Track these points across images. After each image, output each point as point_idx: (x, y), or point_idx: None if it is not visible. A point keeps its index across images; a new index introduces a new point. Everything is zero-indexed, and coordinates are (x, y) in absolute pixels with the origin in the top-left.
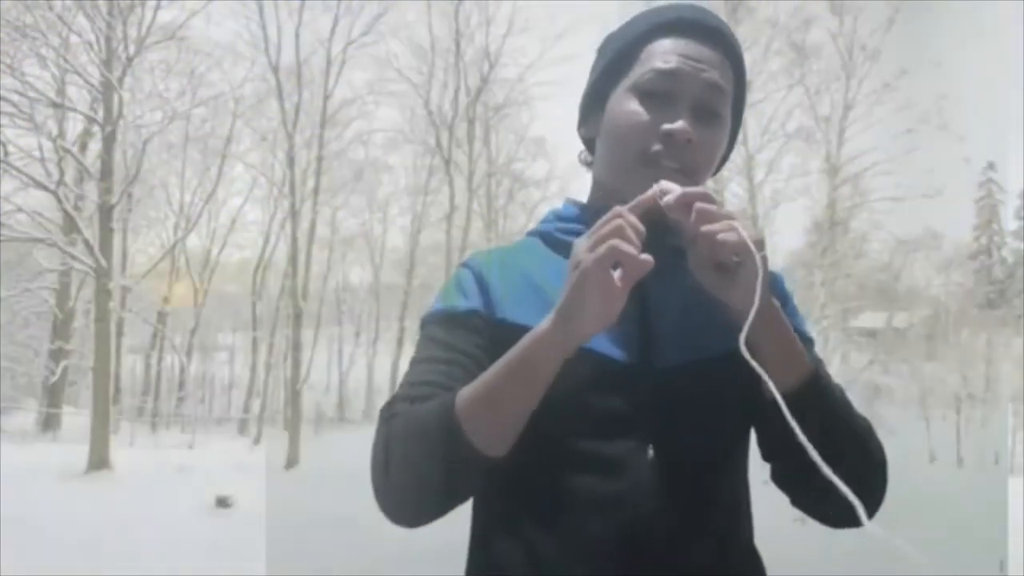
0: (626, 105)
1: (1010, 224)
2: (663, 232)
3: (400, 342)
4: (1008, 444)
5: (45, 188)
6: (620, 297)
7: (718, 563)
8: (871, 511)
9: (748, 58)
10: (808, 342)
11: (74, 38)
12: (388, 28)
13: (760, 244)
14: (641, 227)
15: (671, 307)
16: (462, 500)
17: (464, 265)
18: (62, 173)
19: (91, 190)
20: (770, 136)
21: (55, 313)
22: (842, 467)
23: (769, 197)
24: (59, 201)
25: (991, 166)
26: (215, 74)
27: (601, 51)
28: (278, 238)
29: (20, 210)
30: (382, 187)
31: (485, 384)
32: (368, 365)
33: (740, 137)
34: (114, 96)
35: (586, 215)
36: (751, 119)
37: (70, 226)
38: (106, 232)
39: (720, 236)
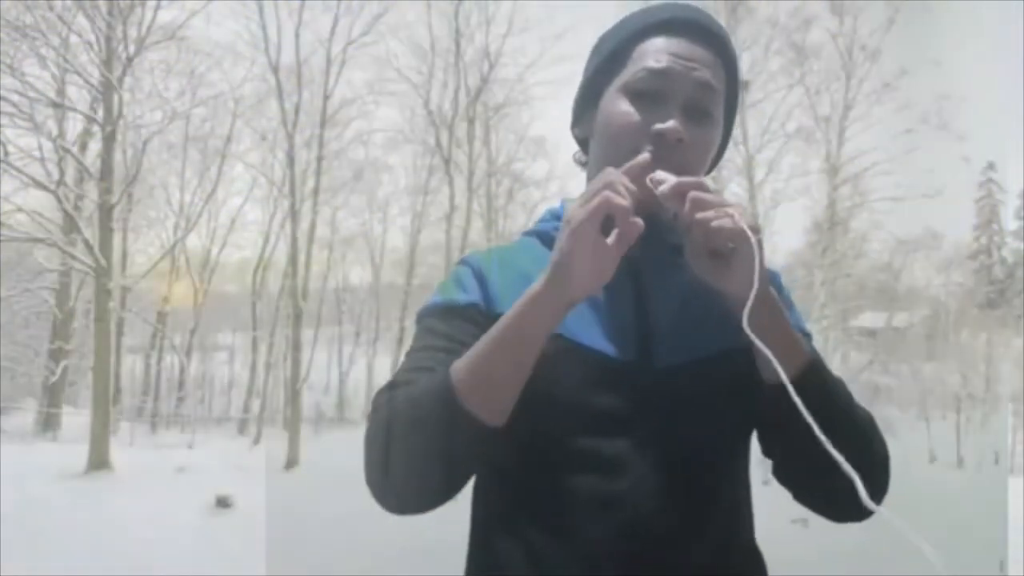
0: (618, 105)
1: (1010, 224)
2: (661, 230)
3: (400, 342)
4: (1008, 444)
5: (45, 188)
6: (613, 257)
7: (719, 563)
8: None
9: (748, 58)
10: (805, 335)
11: (74, 38)
12: (388, 28)
13: (755, 229)
14: (633, 187)
15: (670, 305)
16: (464, 479)
17: (462, 262)
18: (62, 173)
19: (91, 190)
20: (770, 136)
21: (55, 313)
22: (843, 458)
23: (769, 197)
24: (59, 201)
25: (991, 166)
26: (215, 74)
27: (594, 50)
28: (278, 238)
29: (20, 210)
30: (382, 187)
31: (479, 351)
32: (368, 365)
33: (740, 137)
34: (114, 96)
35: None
36: (751, 119)
37: (70, 226)
38: (106, 232)
39: (714, 223)
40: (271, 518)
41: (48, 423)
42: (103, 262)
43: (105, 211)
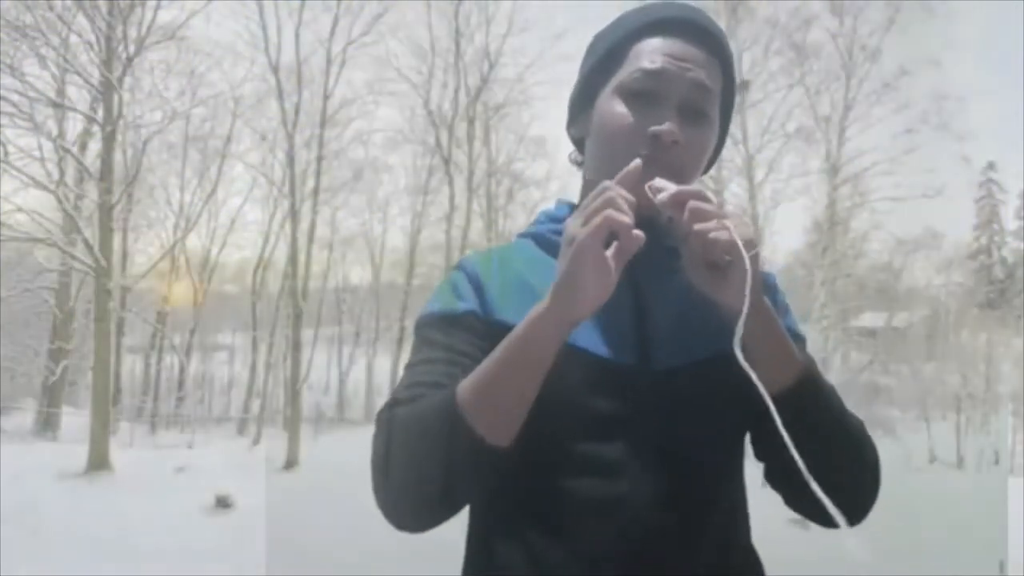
0: (613, 106)
1: (1010, 224)
2: (658, 233)
3: (400, 342)
4: (1008, 444)
5: (45, 188)
6: (614, 272)
7: (718, 564)
8: (863, 509)
9: (748, 58)
10: (799, 340)
11: (74, 38)
12: (388, 28)
13: (751, 244)
14: (631, 198)
15: (668, 308)
16: (468, 497)
17: (458, 267)
18: (62, 173)
19: (91, 190)
20: (770, 136)
21: (55, 313)
22: (835, 465)
23: (769, 197)
24: (59, 201)
25: (991, 166)
26: (215, 74)
27: (589, 50)
28: (278, 238)
29: (20, 210)
30: (382, 187)
31: (485, 372)
32: (368, 365)
33: (740, 137)
34: (114, 96)
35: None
36: (751, 119)
37: (70, 226)
38: (106, 232)
39: (712, 235)
40: (271, 518)
41: (48, 423)
42: (103, 262)
43: (105, 211)
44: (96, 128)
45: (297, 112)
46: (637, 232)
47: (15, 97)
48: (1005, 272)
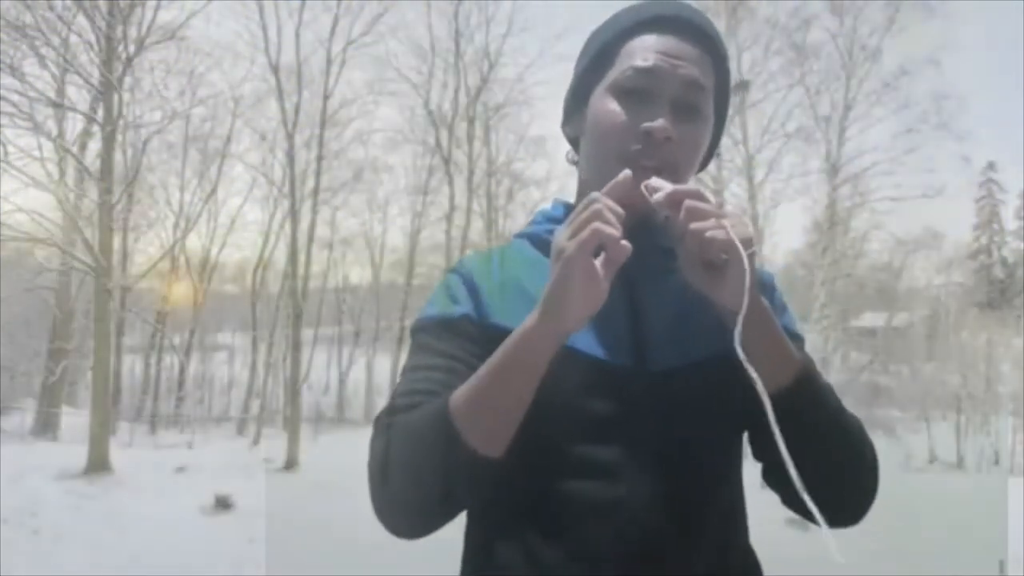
0: (605, 104)
1: (1010, 224)
2: (653, 233)
3: (400, 342)
4: (1008, 444)
5: (45, 188)
6: (604, 284)
7: (716, 565)
8: (862, 509)
9: (748, 58)
10: (797, 339)
11: (74, 38)
12: (388, 28)
13: (748, 242)
14: (620, 210)
15: (663, 309)
16: (463, 505)
17: (453, 270)
18: (62, 173)
19: (91, 190)
20: (770, 136)
21: (55, 313)
22: (833, 464)
23: (769, 197)
24: (59, 201)
25: (991, 166)
26: (215, 74)
27: (584, 49)
28: (278, 238)
29: (20, 210)
30: (382, 187)
31: (477, 383)
32: (368, 365)
33: (740, 137)
34: (114, 96)
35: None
36: (751, 119)
37: (70, 226)
38: (106, 232)
39: (708, 234)
40: (271, 518)
41: (48, 423)
42: (103, 262)
43: (105, 211)
44: (96, 128)
45: (297, 112)
46: (624, 243)
47: (15, 97)
48: (1005, 272)
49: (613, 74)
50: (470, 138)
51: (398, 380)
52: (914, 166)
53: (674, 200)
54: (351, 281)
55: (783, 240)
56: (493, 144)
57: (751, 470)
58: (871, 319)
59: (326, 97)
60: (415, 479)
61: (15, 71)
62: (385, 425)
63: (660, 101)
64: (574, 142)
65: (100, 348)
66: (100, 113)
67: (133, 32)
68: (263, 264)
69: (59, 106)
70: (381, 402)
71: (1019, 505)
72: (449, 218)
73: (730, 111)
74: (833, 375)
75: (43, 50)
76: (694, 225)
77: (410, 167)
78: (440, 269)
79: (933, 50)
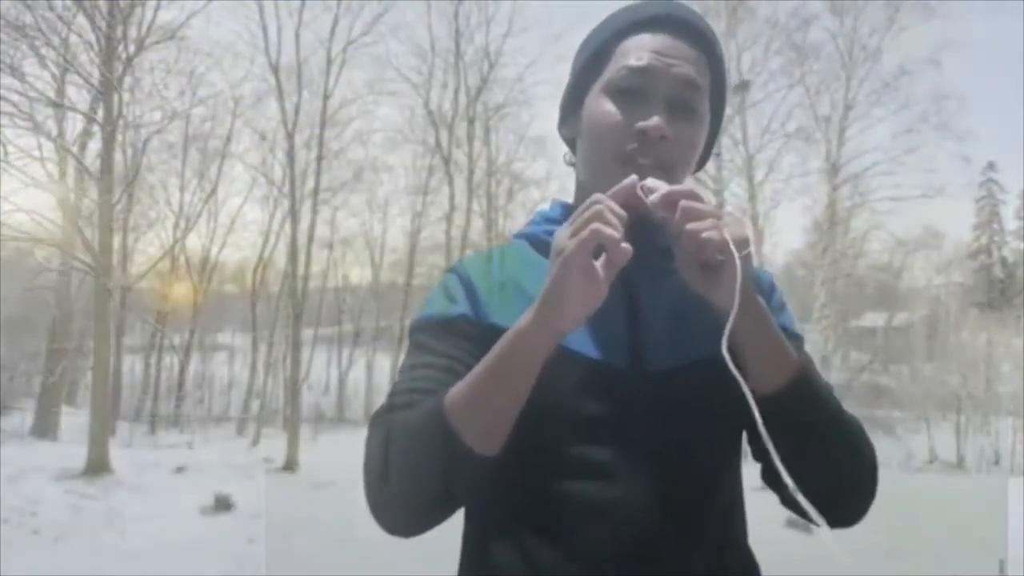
0: (600, 104)
1: (1010, 224)
2: (651, 234)
3: (400, 341)
4: (1008, 444)
5: (45, 188)
6: (602, 285)
7: (715, 565)
8: (860, 510)
9: (748, 58)
10: (797, 339)
11: (74, 38)
12: (388, 28)
13: (743, 243)
14: (622, 212)
15: (661, 309)
16: (460, 504)
17: (451, 270)
18: (62, 173)
19: (91, 190)
20: (770, 136)
21: (55, 313)
22: (831, 465)
23: (769, 197)
24: (59, 201)
25: (991, 166)
26: (215, 74)
27: (580, 50)
28: (278, 238)
29: (20, 210)
30: (382, 187)
31: (472, 382)
32: (368, 365)
33: (740, 137)
34: (114, 96)
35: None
36: (751, 119)
37: (70, 226)
38: (106, 232)
39: (704, 234)
40: (271, 518)
41: (47, 423)
42: (103, 262)
43: (105, 211)
44: (96, 128)
45: (297, 112)
46: (625, 246)
47: (15, 97)
48: (1005, 272)
49: (608, 74)
50: (470, 138)
51: (396, 380)
52: (914, 166)
53: (670, 201)
54: (351, 281)
55: (783, 240)
56: (493, 144)
57: (750, 471)
58: (871, 319)
59: (326, 97)
60: (411, 477)
61: (15, 71)
62: (381, 423)
63: (655, 100)
64: (571, 143)
65: (100, 348)
66: (100, 113)
67: (133, 32)
68: (263, 264)
69: (59, 106)
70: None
71: (1019, 505)
72: (449, 218)
73: (730, 111)
74: (833, 375)
75: (43, 50)
76: (690, 226)
77: (410, 167)
78: (440, 269)
79: (933, 50)
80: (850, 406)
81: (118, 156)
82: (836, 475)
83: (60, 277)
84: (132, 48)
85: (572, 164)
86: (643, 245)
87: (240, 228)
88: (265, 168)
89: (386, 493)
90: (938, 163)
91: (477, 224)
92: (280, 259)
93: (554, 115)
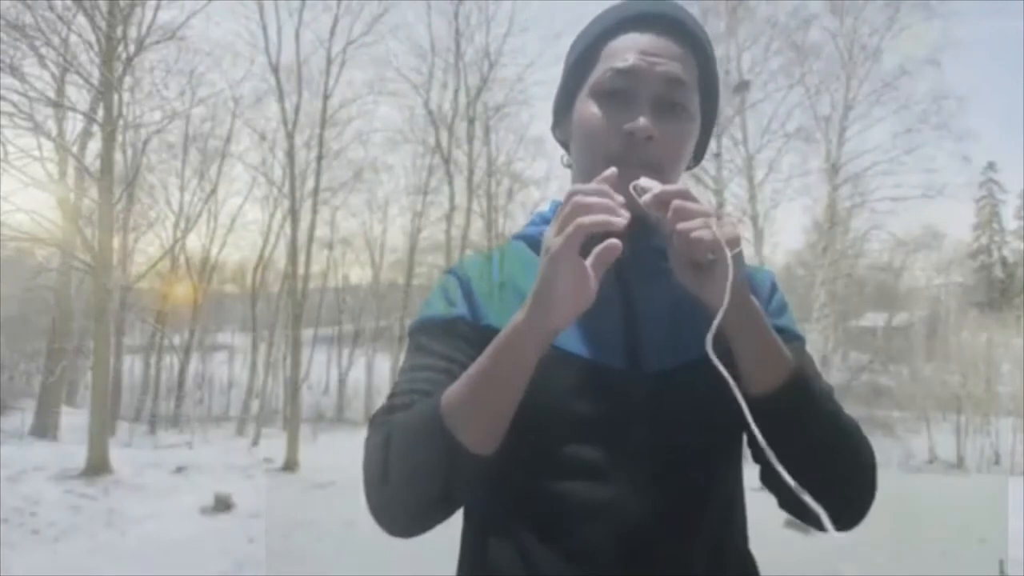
0: (587, 108)
1: (1010, 224)
2: (648, 234)
3: (400, 341)
4: (1008, 444)
5: (45, 188)
6: (592, 281)
7: (713, 567)
8: (859, 513)
9: (748, 58)
10: (798, 340)
11: (74, 38)
12: (388, 28)
13: (734, 243)
14: (618, 198)
15: (658, 310)
16: (458, 504)
17: (450, 272)
18: (62, 173)
19: (91, 190)
20: (770, 136)
21: (55, 313)
22: (828, 467)
23: (769, 197)
24: (59, 201)
25: (991, 166)
26: (214, 74)
27: (568, 52)
28: (278, 238)
29: (20, 210)
30: (382, 187)
31: (467, 382)
32: (368, 365)
33: (740, 137)
34: (114, 96)
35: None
36: (751, 119)
37: (70, 226)
38: (106, 232)
39: (694, 234)
40: (271, 518)
41: (47, 423)
42: (103, 262)
43: (105, 211)
44: (96, 128)
45: (297, 112)
46: (613, 242)
47: (15, 97)
48: (1005, 272)
49: (594, 77)
50: (470, 138)
51: (395, 381)
52: (914, 166)
53: (662, 200)
54: (351, 281)
55: (783, 240)
56: (493, 144)
57: (750, 472)
58: (871, 319)
59: (326, 97)
60: (409, 477)
61: (15, 71)
62: (380, 425)
63: (641, 100)
64: (565, 145)
65: (100, 348)
66: (100, 113)
67: (133, 32)
68: (263, 264)
69: (59, 106)
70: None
71: (1019, 505)
72: (449, 218)
73: (730, 111)
74: (833, 375)
75: (43, 50)
76: (681, 225)
77: (410, 167)
78: (440, 269)
79: (933, 50)
80: (850, 406)
81: (118, 156)
82: (833, 478)
83: (60, 277)
84: (132, 48)
85: (569, 166)
86: (639, 246)
87: (240, 228)
88: (265, 168)
89: (385, 494)
90: (938, 163)
91: (477, 224)
92: (280, 259)
93: None
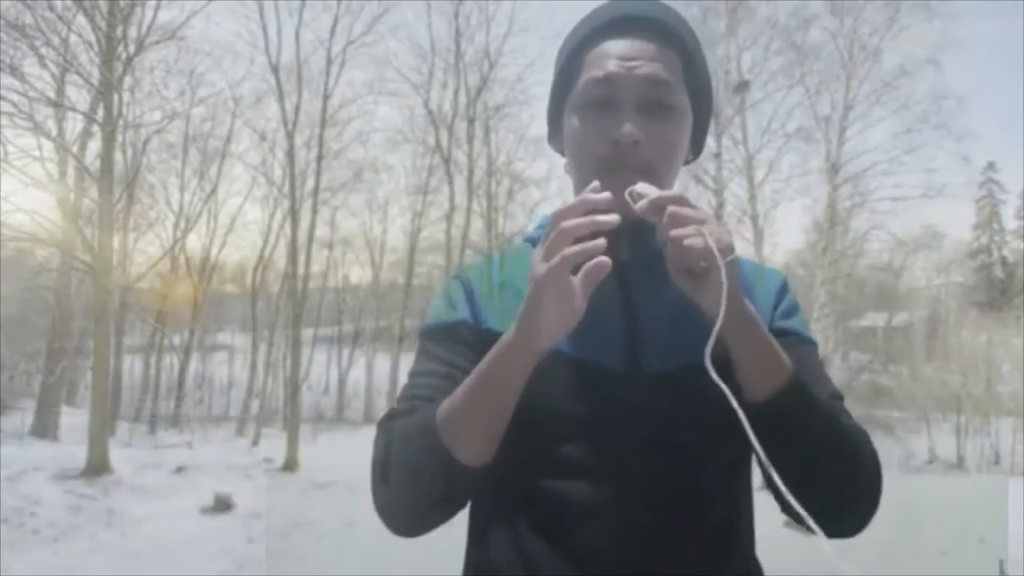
0: (572, 122)
1: (1010, 224)
2: (649, 235)
3: (400, 341)
4: (1008, 444)
5: (45, 188)
6: (579, 300)
7: (715, 569)
8: (861, 519)
9: (748, 58)
10: (806, 343)
11: (74, 38)
12: (388, 28)
13: (727, 250)
14: (600, 220)
15: (659, 311)
16: (459, 505)
17: (455, 275)
18: (62, 173)
19: (91, 190)
20: (770, 136)
21: (55, 313)
22: (828, 473)
23: (769, 197)
24: (59, 201)
25: (991, 166)
26: (214, 74)
27: (554, 64)
28: (278, 238)
29: (20, 210)
30: (382, 187)
31: (460, 397)
32: (368, 365)
33: (740, 137)
34: (114, 96)
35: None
36: (751, 119)
37: (70, 226)
38: (106, 232)
39: (687, 242)
40: (271, 518)
41: (47, 423)
42: (103, 262)
43: (105, 211)
44: (96, 128)
45: (297, 112)
46: (601, 260)
47: (15, 97)
48: (1005, 272)
49: (577, 88)
50: (470, 138)
51: (404, 384)
52: (914, 166)
53: (656, 207)
54: (351, 281)
55: (783, 240)
56: (493, 144)
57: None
58: (871, 319)
59: (326, 97)
60: (409, 482)
61: (15, 71)
62: (385, 429)
63: (624, 106)
64: (563, 154)
65: (100, 348)
66: (100, 113)
67: (133, 32)
68: (263, 264)
69: (59, 106)
70: (381, 402)
71: (1019, 505)
72: (449, 218)
73: (730, 111)
74: (833, 375)
75: (43, 50)
76: (674, 232)
77: (410, 167)
78: (440, 269)
79: (933, 50)
80: (850, 406)
81: (118, 156)
82: (836, 484)
83: (60, 277)
84: (132, 48)
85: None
86: (641, 247)
87: (240, 228)
88: (265, 168)
89: (388, 495)
90: (938, 163)
91: (477, 224)
92: (280, 259)
93: None
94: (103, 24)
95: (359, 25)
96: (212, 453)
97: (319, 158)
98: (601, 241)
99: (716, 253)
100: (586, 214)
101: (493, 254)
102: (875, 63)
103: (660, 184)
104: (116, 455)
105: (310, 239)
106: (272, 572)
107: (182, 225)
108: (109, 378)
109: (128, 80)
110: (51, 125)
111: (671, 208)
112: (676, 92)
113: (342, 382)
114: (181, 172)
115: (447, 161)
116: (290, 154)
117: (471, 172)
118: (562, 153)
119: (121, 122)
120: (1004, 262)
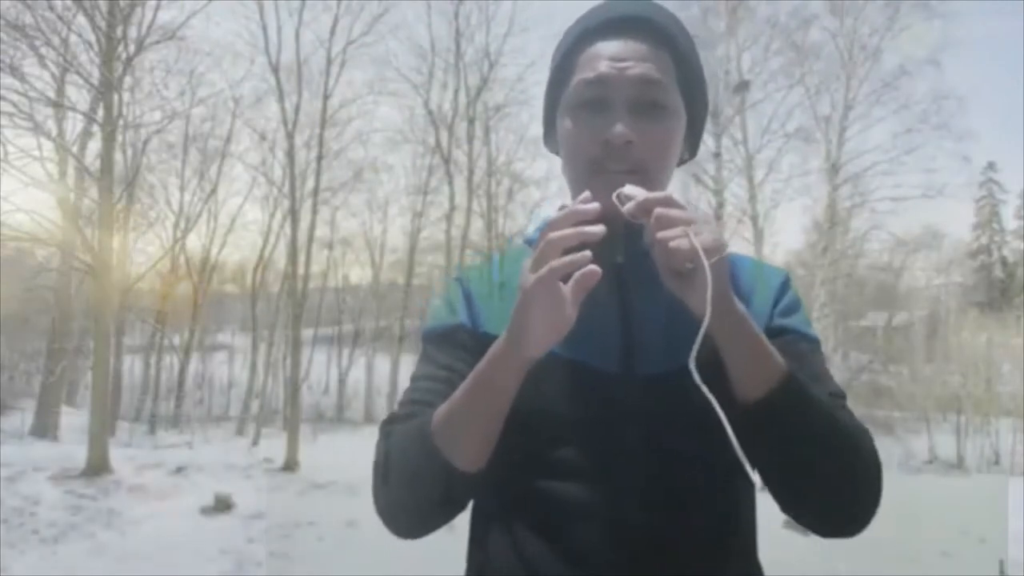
0: (565, 123)
1: (1010, 224)
2: (643, 237)
3: (400, 341)
4: (1008, 444)
5: (45, 188)
6: (569, 309)
7: (713, 569)
8: (860, 519)
9: (748, 58)
10: (807, 340)
11: (74, 38)
12: (388, 28)
13: (713, 251)
14: (586, 231)
15: (654, 312)
16: (455, 511)
17: (455, 278)
18: (62, 173)
19: (91, 190)
20: (770, 136)
21: (55, 313)
22: (827, 473)
23: (769, 197)
24: (59, 201)
25: (991, 166)
26: (214, 74)
27: (549, 67)
28: (278, 238)
29: (20, 210)
30: (382, 187)
31: (454, 404)
32: (368, 365)
33: (740, 137)
34: (114, 96)
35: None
36: (751, 119)
37: (70, 226)
38: (106, 232)
39: (672, 243)
40: (271, 518)
41: (47, 423)
42: (103, 262)
43: (105, 211)
44: (96, 128)
45: (297, 112)
46: (591, 269)
47: (15, 97)
48: (1005, 272)
49: (568, 90)
50: (470, 138)
51: (406, 388)
52: (914, 166)
53: (644, 209)
54: (351, 281)
55: (783, 240)
56: (493, 144)
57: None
58: (871, 319)
59: (326, 97)
60: (408, 486)
61: (15, 71)
62: (385, 433)
63: (616, 106)
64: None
65: (100, 348)
66: (100, 113)
67: (133, 32)
68: (263, 264)
69: (59, 106)
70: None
71: (1019, 505)
72: (449, 218)
73: (730, 111)
74: (833, 375)
75: (43, 50)
76: (660, 234)
77: (410, 167)
78: (440, 269)
79: (933, 50)
80: (850, 406)
81: (118, 156)
82: (835, 482)
83: (60, 277)
84: (132, 48)
85: None
86: (637, 249)
87: (240, 228)
88: (265, 168)
89: (388, 497)
90: (938, 163)
91: (477, 224)
92: (280, 259)
93: None
94: (103, 24)
95: (359, 25)
96: (212, 453)
97: (319, 158)
98: (587, 253)
99: (701, 254)
100: (576, 224)
101: (493, 254)
102: (875, 63)
103: (654, 184)
104: (116, 455)
105: (310, 239)
106: (272, 572)
107: (182, 225)
108: (109, 378)
109: (128, 80)
110: (51, 125)
111: (658, 210)
112: (668, 92)
113: (342, 382)
114: (181, 172)
115: (447, 161)
116: (290, 154)
117: (471, 172)
118: (557, 154)
119: (121, 122)
120: (1004, 262)
